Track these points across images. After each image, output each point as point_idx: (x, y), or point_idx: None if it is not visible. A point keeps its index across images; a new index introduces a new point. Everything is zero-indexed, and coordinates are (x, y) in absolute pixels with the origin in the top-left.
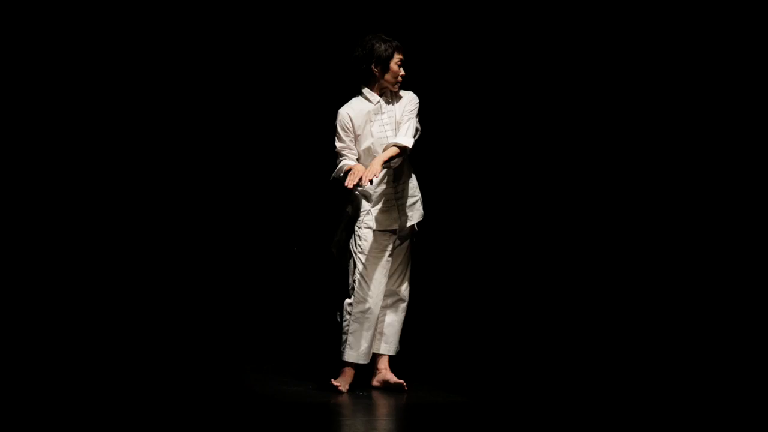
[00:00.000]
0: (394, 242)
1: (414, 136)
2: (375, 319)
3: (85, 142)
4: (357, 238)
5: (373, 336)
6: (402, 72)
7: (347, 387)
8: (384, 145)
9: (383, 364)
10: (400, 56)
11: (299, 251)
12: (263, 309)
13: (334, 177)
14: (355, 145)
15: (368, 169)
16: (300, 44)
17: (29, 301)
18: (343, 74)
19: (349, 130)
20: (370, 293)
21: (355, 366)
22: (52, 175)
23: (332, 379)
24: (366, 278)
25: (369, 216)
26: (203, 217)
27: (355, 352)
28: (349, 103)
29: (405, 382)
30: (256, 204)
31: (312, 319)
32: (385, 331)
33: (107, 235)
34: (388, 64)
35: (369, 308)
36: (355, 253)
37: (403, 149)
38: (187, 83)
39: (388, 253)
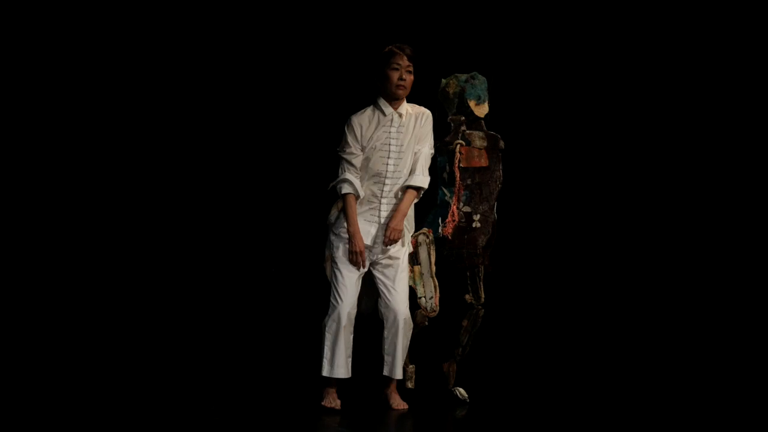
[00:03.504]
0: (374, 256)
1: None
2: (349, 329)
3: (83, 144)
4: (330, 243)
5: (349, 348)
6: (400, 76)
7: (339, 403)
8: (384, 158)
9: (388, 387)
10: (398, 60)
11: (278, 273)
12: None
13: (332, 187)
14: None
15: (388, 231)
16: (286, 60)
17: (25, 302)
18: (360, 83)
19: (357, 139)
20: (341, 302)
21: (337, 381)
22: (51, 176)
23: (322, 403)
24: (337, 286)
25: (344, 227)
26: (188, 231)
27: (329, 366)
28: (362, 111)
29: (407, 405)
30: (236, 222)
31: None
32: (385, 352)
33: (103, 239)
34: (384, 70)
35: (339, 317)
36: (330, 259)
37: (419, 189)
38: (186, 92)
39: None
